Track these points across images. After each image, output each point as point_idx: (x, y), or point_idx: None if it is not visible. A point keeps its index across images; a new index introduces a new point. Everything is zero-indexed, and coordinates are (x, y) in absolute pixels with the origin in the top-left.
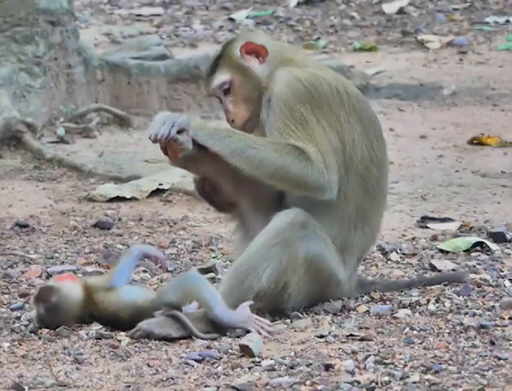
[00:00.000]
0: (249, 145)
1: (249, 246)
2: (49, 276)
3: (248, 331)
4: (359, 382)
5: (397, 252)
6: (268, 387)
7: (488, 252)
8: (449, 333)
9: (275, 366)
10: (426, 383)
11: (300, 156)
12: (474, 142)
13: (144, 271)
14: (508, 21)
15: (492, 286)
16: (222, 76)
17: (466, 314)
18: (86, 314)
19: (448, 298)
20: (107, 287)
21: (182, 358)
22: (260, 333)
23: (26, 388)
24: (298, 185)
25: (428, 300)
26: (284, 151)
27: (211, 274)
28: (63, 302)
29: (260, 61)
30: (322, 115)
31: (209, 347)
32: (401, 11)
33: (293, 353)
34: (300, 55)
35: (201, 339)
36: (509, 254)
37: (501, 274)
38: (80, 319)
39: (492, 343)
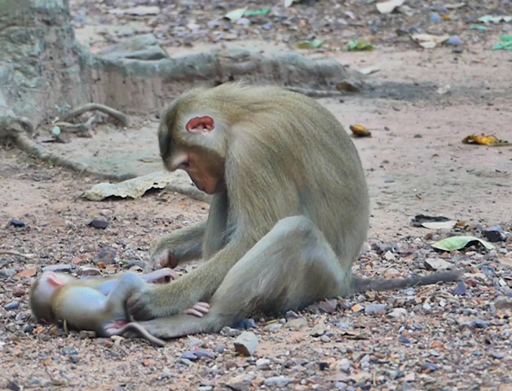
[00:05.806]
0: (202, 279)
1: (251, 250)
2: None
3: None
4: (354, 381)
5: (392, 252)
6: (263, 386)
7: (483, 251)
8: (444, 332)
9: (270, 366)
10: (421, 382)
11: (242, 244)
12: (469, 141)
13: (139, 270)
14: (502, 20)
15: (486, 285)
16: (178, 158)
17: (461, 313)
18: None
19: (443, 297)
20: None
21: (177, 357)
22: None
23: (21, 387)
24: None
25: (423, 300)
26: (227, 258)
27: None
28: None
29: (209, 129)
30: (283, 169)
31: (204, 346)
32: (396, 11)
33: (288, 353)
34: (241, 99)
35: (157, 345)
36: (504, 253)
37: (496, 272)
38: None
39: (487, 342)
